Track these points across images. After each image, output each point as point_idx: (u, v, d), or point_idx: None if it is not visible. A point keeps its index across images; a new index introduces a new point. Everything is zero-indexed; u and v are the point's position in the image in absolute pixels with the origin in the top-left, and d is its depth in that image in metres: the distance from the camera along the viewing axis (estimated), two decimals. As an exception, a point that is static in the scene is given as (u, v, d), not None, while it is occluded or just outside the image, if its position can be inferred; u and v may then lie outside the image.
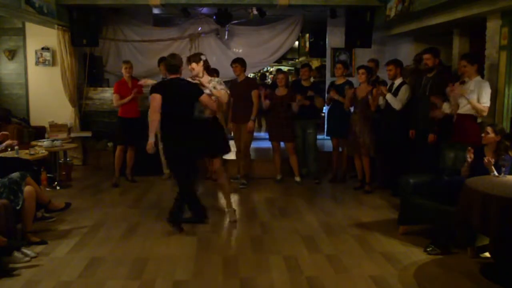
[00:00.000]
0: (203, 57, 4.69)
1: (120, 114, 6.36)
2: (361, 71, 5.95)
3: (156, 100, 4.34)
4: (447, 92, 4.90)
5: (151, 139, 4.33)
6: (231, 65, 6.30)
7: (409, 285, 3.41)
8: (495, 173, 3.78)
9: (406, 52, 7.44)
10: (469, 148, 4.19)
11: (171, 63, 4.51)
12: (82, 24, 7.10)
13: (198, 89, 4.50)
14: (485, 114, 4.59)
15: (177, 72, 4.50)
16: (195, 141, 4.41)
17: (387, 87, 5.78)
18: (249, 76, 8.13)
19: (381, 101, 5.75)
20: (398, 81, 5.72)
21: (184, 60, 4.74)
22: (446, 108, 4.95)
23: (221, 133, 4.94)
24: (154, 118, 4.36)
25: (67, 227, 4.65)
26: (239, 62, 6.21)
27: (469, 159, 4.15)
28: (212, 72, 5.59)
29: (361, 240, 4.33)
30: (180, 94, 4.41)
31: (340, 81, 6.41)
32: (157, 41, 8.19)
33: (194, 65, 4.62)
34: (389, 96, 5.62)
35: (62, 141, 6.44)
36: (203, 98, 4.44)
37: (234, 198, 5.85)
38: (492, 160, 3.84)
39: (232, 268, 3.71)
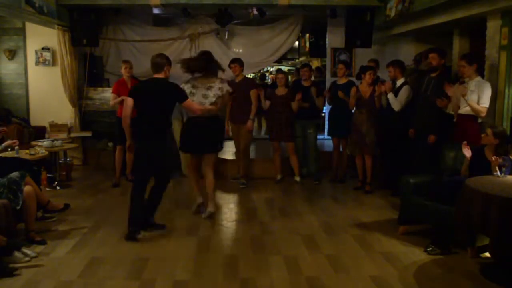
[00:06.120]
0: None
1: (119, 114, 6.34)
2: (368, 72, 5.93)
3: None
4: (445, 90, 4.91)
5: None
6: (229, 65, 6.29)
7: (409, 285, 3.41)
8: (498, 173, 3.78)
9: (406, 52, 7.44)
10: (464, 142, 4.20)
11: (154, 61, 4.39)
12: (82, 24, 7.09)
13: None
14: (483, 115, 4.57)
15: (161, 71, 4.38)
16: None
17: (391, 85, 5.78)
18: (248, 76, 8.13)
19: (383, 100, 5.76)
20: (400, 81, 5.73)
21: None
22: (449, 108, 4.97)
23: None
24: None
25: (67, 227, 4.65)
26: (237, 62, 6.20)
27: (466, 154, 4.16)
28: None
29: (361, 240, 4.33)
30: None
31: (342, 81, 6.42)
32: (157, 41, 8.17)
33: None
34: (390, 96, 5.63)
35: (62, 141, 6.45)
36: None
37: (234, 198, 5.87)
38: (498, 160, 3.83)
39: (232, 268, 3.71)
